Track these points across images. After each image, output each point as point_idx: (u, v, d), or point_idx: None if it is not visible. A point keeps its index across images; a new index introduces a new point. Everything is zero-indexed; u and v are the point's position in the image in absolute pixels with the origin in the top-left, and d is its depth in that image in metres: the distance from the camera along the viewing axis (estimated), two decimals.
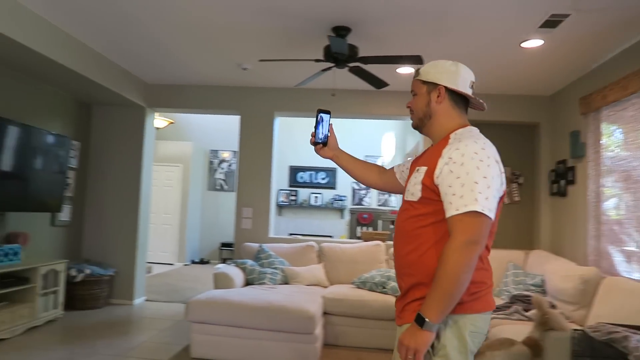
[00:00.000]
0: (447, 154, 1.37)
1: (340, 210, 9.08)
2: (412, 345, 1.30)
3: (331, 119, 1.70)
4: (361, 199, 9.12)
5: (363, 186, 9.11)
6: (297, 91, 5.33)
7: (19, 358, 3.39)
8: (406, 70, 4.48)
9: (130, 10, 3.42)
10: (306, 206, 9.09)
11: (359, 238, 7.43)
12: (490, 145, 1.39)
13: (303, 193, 9.21)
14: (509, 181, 5.26)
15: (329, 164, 9.19)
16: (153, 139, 5.68)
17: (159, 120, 7.00)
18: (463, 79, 1.47)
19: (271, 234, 5.30)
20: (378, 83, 3.97)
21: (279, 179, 9.07)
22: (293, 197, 9.15)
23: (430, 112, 1.50)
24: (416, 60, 3.42)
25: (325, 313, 3.95)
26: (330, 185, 9.18)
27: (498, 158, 1.38)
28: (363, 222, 8.38)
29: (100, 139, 5.48)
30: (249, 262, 4.51)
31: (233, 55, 4.35)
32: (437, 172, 1.37)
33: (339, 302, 3.94)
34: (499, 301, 3.87)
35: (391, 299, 3.95)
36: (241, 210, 5.29)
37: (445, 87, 1.47)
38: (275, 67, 4.61)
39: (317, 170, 9.22)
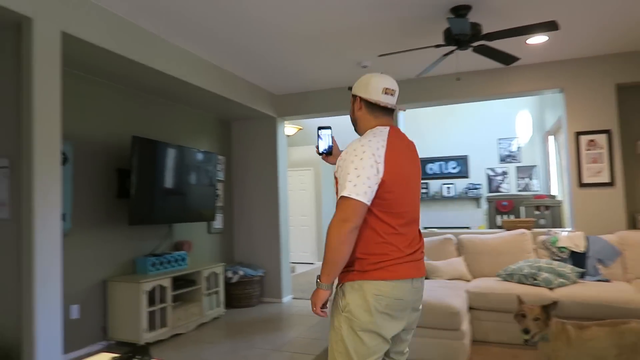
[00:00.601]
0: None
1: (476, 199, 8.61)
2: (312, 300, 1.70)
3: (333, 132, 2.02)
4: (498, 186, 8.54)
5: (499, 172, 8.52)
6: (419, 81, 5.21)
7: (194, 350, 3.87)
8: (538, 39, 4.08)
9: (256, 31, 3.69)
10: (438, 198, 8.81)
11: (499, 227, 6.97)
12: (374, 142, 1.67)
13: (434, 185, 8.95)
14: None
15: (460, 152, 8.79)
16: (285, 146, 6.04)
17: (288, 128, 7.42)
18: (373, 88, 1.77)
19: None
20: (507, 59, 3.68)
21: None
22: (424, 190, 8.95)
23: (356, 118, 1.86)
24: (550, 26, 3.09)
25: (471, 308, 3.78)
26: (463, 174, 8.76)
27: (378, 152, 1.65)
28: (503, 210, 7.82)
29: (240, 151, 6.01)
30: None
31: (352, 55, 4.42)
32: (335, 167, 1.76)
33: (485, 297, 3.74)
34: None
35: (544, 292, 3.62)
36: None
37: (360, 97, 1.81)
38: (395, 60, 4.57)
39: (447, 159, 8.88)
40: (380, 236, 1.66)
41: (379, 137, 1.70)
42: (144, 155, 4.17)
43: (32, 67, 2.83)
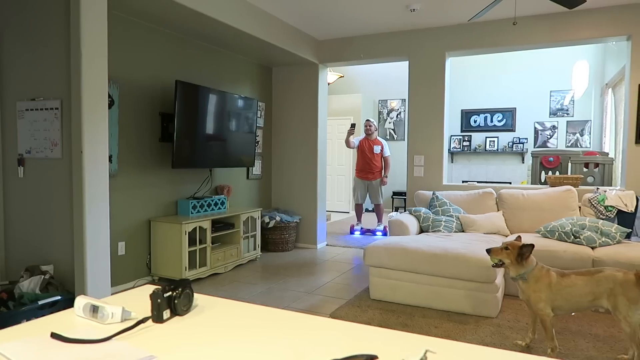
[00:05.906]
0: None
1: (521, 154, 8.30)
2: None
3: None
4: (546, 141, 8.17)
5: (548, 126, 8.12)
6: (471, 26, 4.91)
7: (232, 289, 4.07)
8: None
9: None
10: (480, 152, 8.55)
11: (543, 184, 6.73)
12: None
13: (477, 138, 8.67)
14: None
15: (506, 104, 8.41)
16: (326, 93, 5.94)
17: (329, 75, 7.26)
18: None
19: (445, 182, 5.16)
20: (571, 2, 3.37)
21: (450, 125, 8.67)
22: (466, 143, 8.69)
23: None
24: None
25: None
26: (508, 128, 8.41)
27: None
28: (548, 166, 7.49)
29: (280, 98, 5.97)
30: (423, 209, 4.49)
31: None
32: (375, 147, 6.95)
33: None
34: None
35: (585, 250, 3.52)
36: (413, 158, 5.25)
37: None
38: (445, 2, 4.30)
39: (493, 112, 8.52)
40: None
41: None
42: (187, 99, 4.21)
43: (80, 9, 2.85)
